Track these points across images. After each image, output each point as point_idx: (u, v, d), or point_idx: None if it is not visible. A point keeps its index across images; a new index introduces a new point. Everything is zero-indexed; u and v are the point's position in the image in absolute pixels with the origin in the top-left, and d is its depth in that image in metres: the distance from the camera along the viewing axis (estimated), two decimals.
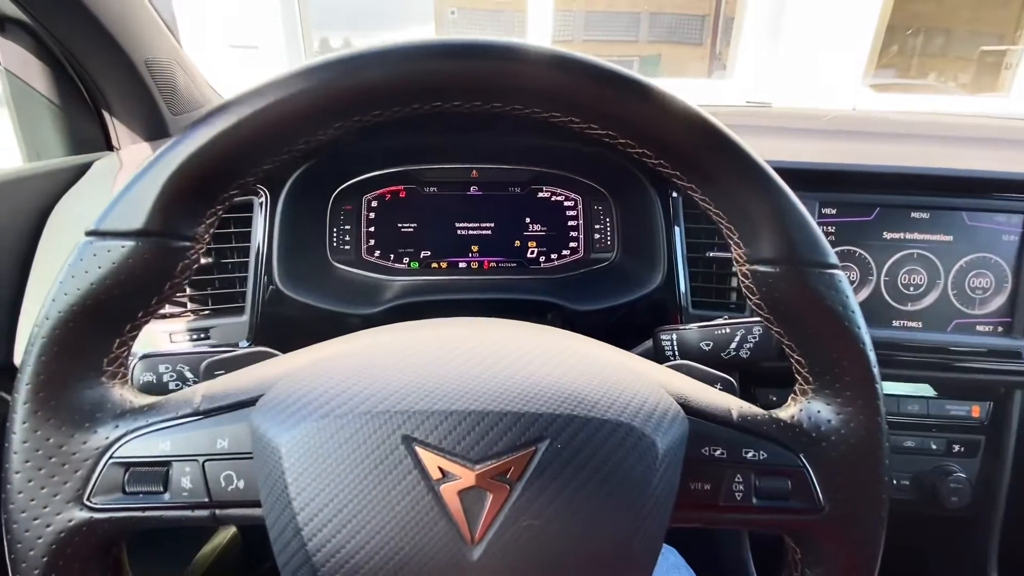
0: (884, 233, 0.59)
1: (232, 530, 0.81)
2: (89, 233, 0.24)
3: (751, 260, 0.27)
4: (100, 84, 0.63)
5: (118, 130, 0.68)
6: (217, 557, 0.76)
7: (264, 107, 0.24)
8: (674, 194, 0.61)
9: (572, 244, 0.70)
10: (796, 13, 1.97)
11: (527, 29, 1.99)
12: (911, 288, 0.59)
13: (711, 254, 0.60)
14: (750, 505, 0.26)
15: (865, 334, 0.26)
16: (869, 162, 0.57)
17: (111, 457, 0.25)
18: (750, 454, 0.26)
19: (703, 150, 0.26)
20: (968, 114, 1.04)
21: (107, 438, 0.25)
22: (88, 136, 0.67)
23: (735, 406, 0.28)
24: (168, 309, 0.58)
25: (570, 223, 0.70)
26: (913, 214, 0.59)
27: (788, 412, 0.29)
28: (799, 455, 0.27)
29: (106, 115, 0.67)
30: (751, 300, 0.28)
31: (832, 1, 1.97)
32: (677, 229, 0.61)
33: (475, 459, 0.23)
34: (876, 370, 0.26)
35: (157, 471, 0.25)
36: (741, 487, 0.26)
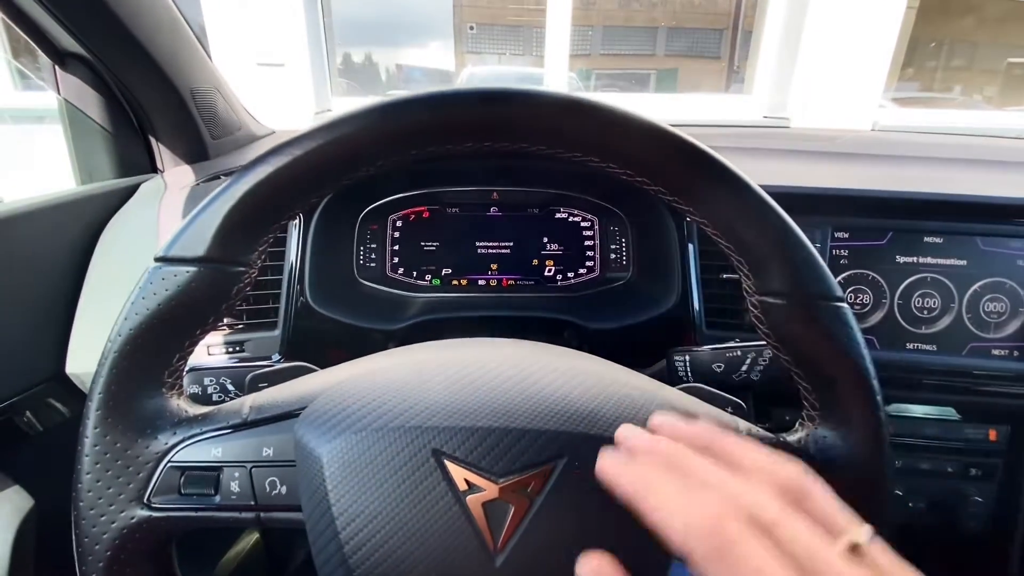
0: (897, 257, 0.60)
1: (255, 536, 0.83)
2: (158, 259, 0.27)
3: (760, 291, 0.28)
4: (148, 112, 0.67)
5: (162, 154, 0.72)
6: (240, 563, 0.79)
7: (315, 148, 0.26)
8: (688, 217, 0.62)
9: (588, 263, 0.72)
10: (816, 26, 1.96)
11: (545, 44, 2.01)
12: (925, 312, 0.59)
13: (724, 276, 0.61)
14: None
15: (869, 364, 0.27)
16: (886, 186, 0.58)
17: (169, 461, 0.27)
18: None
19: (711, 187, 0.27)
20: (990, 134, 1.03)
21: (166, 444, 0.27)
22: (135, 159, 0.71)
23: (744, 429, 0.30)
24: None
25: (586, 243, 0.72)
26: (926, 239, 0.59)
27: (796, 436, 0.30)
28: None
29: (152, 140, 0.71)
30: (760, 329, 0.29)
31: (853, 14, 1.96)
32: (691, 251, 0.62)
33: (499, 473, 0.25)
34: (879, 398, 0.28)
35: (209, 475, 0.27)
36: None
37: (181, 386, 0.30)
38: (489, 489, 0.25)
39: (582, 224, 0.72)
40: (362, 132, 0.26)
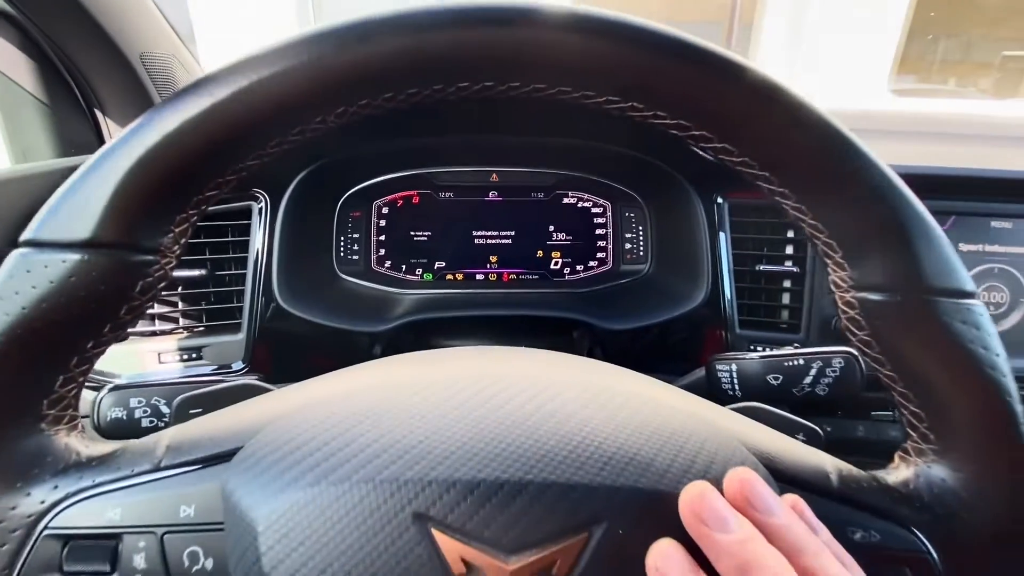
0: (960, 245, 0.54)
1: None
2: (24, 243, 0.20)
3: (859, 286, 0.22)
4: (92, 81, 0.60)
5: (111, 130, 0.64)
6: None
7: (247, 86, 0.20)
8: (719, 199, 0.55)
9: (600, 255, 0.67)
10: (818, 18, 1.95)
11: None
12: (991, 307, 0.53)
13: (761, 267, 0.54)
14: None
15: (1011, 383, 0.21)
16: (947, 163, 0.51)
17: (46, 527, 0.21)
18: (858, 535, 0.22)
19: (805, 146, 0.21)
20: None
21: (42, 502, 0.21)
22: (79, 137, 0.63)
23: (831, 468, 0.23)
24: (158, 326, 0.53)
25: (598, 231, 0.67)
26: (993, 223, 0.53)
27: (900, 477, 0.24)
28: (921, 537, 0.22)
29: (99, 114, 0.63)
30: (855, 336, 0.23)
31: (854, 7, 1.95)
32: (723, 240, 0.55)
33: (510, 548, 0.18)
34: (1023, 428, 0.21)
35: (104, 545, 0.21)
36: None
37: (74, 418, 0.23)
38: (496, 573, 0.18)
39: (593, 210, 0.67)
40: (316, 62, 0.19)
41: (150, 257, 0.22)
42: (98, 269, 0.20)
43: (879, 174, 0.21)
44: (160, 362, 0.52)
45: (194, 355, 0.52)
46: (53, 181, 0.55)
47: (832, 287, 0.24)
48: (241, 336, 0.54)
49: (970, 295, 0.21)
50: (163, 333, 0.53)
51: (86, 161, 0.20)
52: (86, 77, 0.59)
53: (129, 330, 0.23)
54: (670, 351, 0.59)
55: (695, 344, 0.58)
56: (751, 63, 0.21)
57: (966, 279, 0.21)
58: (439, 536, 0.18)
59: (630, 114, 0.22)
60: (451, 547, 0.18)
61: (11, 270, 0.20)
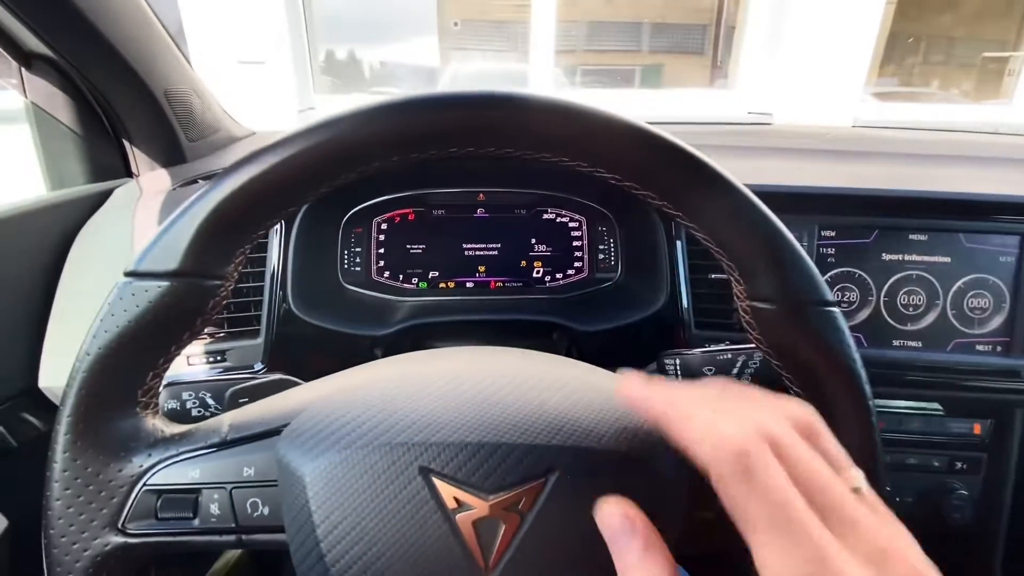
0: (883, 255, 0.60)
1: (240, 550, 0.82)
2: (128, 274, 0.26)
3: (751, 297, 0.28)
4: (121, 114, 0.65)
5: (137, 157, 0.69)
6: (228, 575, 0.78)
7: (290, 156, 0.25)
8: (676, 221, 0.62)
9: (577, 264, 0.72)
10: (797, 22, 1.98)
11: (530, 40, 2.01)
12: (910, 308, 0.60)
13: (713, 275, 0.61)
14: None
15: (861, 369, 0.27)
16: (869, 183, 0.58)
17: (144, 485, 0.26)
18: None
19: (699, 190, 0.27)
20: (967, 129, 1.05)
21: (141, 467, 0.26)
22: (108, 163, 0.69)
23: None
24: None
25: (574, 243, 0.71)
26: (911, 236, 0.60)
27: None
28: None
29: (126, 143, 0.69)
30: (751, 335, 0.29)
31: (832, 10, 1.98)
32: (679, 250, 0.62)
33: (489, 490, 0.24)
34: (871, 403, 0.27)
35: (187, 498, 0.26)
36: None
37: (156, 404, 0.29)
38: (479, 506, 0.24)
39: (570, 225, 0.71)
40: (343, 138, 0.25)
41: (218, 282, 0.27)
42: (182, 292, 0.26)
43: (759, 212, 0.27)
44: (188, 364, 0.58)
45: (219, 358, 0.58)
46: (88, 204, 0.62)
47: (735, 297, 0.29)
48: (260, 340, 0.59)
49: (832, 304, 0.27)
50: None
51: (174, 212, 0.26)
52: (116, 111, 0.65)
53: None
54: (638, 349, 0.64)
55: (659, 342, 0.64)
56: (654, 130, 0.26)
57: (827, 291, 0.27)
58: (438, 482, 0.24)
59: (582, 170, 0.28)
60: (447, 490, 0.24)
61: (119, 293, 0.25)
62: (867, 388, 0.27)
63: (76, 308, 0.56)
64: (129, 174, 0.70)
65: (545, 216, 0.71)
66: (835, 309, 0.27)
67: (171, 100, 0.67)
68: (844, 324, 0.27)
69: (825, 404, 0.28)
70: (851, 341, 0.27)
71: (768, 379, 0.44)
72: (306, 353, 0.61)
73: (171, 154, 0.70)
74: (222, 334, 0.60)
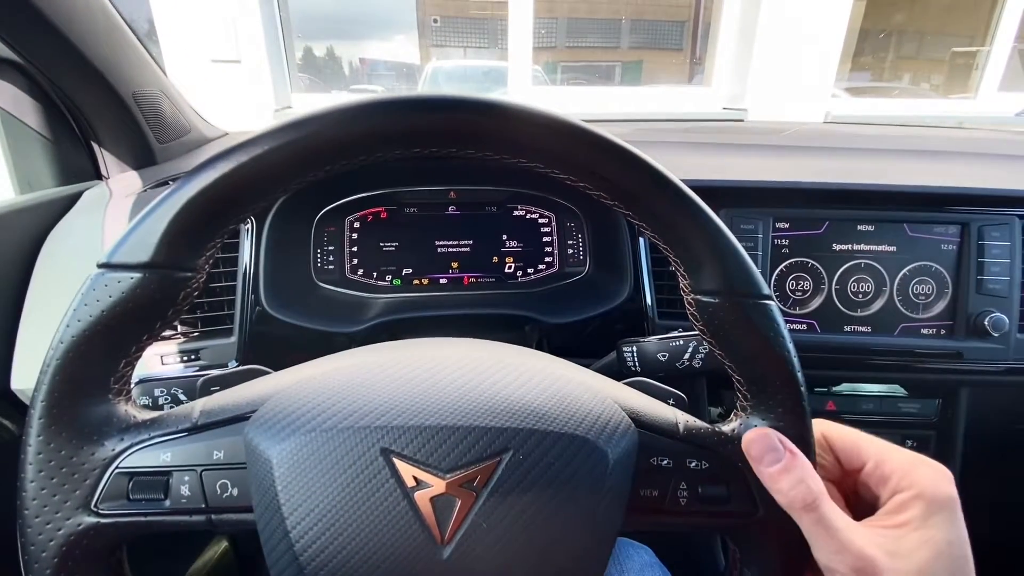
0: (834, 245, 0.63)
1: (224, 544, 0.82)
2: (101, 265, 0.26)
3: (695, 290, 0.29)
4: (90, 118, 0.65)
5: (107, 160, 0.69)
6: (208, 572, 0.78)
7: (261, 154, 0.26)
8: (627, 219, 0.64)
9: (547, 259, 0.73)
10: (768, 19, 2.02)
11: (509, 36, 2.01)
12: (860, 295, 0.63)
13: (671, 268, 0.63)
14: (694, 509, 0.29)
15: (794, 357, 0.29)
16: (831, 177, 0.61)
17: (117, 467, 0.27)
18: (693, 463, 0.29)
19: (645, 191, 0.28)
20: (931, 124, 1.09)
21: (113, 450, 0.27)
22: (78, 166, 0.69)
23: (682, 420, 0.31)
24: None
25: (544, 239, 0.73)
26: (859, 227, 0.62)
27: (729, 426, 0.31)
28: (737, 464, 0.29)
29: (95, 146, 0.68)
30: (696, 325, 0.31)
31: (803, 6, 2.02)
32: (642, 245, 0.64)
33: (446, 469, 0.26)
34: (804, 389, 0.29)
35: (158, 480, 0.27)
36: (685, 493, 0.29)
37: (129, 392, 0.30)
38: (436, 484, 0.25)
39: (540, 221, 0.73)
40: (310, 138, 0.26)
41: (190, 274, 0.27)
42: (154, 283, 0.26)
43: (701, 211, 0.28)
44: (163, 363, 0.58)
45: (193, 356, 0.58)
46: (58, 207, 0.62)
47: (681, 291, 0.31)
48: (233, 339, 0.59)
49: (767, 297, 0.28)
50: (164, 338, 0.60)
51: (145, 208, 0.26)
52: (84, 114, 0.65)
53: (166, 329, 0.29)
54: (605, 339, 0.66)
55: (627, 332, 0.66)
56: (602, 132, 0.27)
57: (763, 286, 0.28)
58: (398, 463, 0.26)
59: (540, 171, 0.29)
60: (406, 469, 0.25)
61: (92, 284, 0.26)
62: (800, 376, 0.29)
63: (47, 310, 0.56)
64: (99, 176, 0.70)
65: (516, 213, 0.73)
66: (771, 303, 0.29)
67: (140, 102, 0.67)
68: (779, 316, 0.29)
69: (762, 390, 0.30)
70: (786, 332, 0.29)
71: (716, 365, 0.46)
72: (281, 351, 0.61)
73: (141, 156, 0.71)
74: (196, 333, 0.60)
